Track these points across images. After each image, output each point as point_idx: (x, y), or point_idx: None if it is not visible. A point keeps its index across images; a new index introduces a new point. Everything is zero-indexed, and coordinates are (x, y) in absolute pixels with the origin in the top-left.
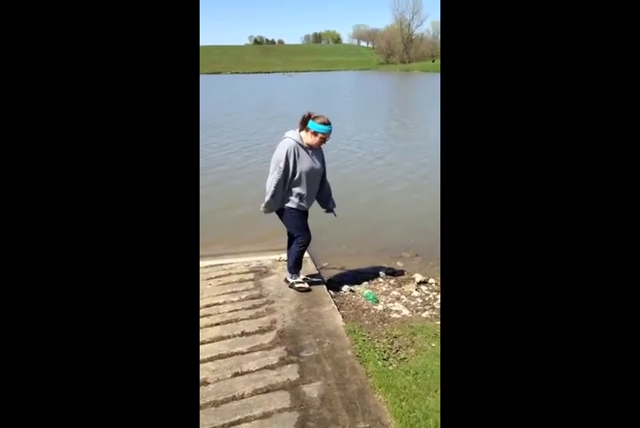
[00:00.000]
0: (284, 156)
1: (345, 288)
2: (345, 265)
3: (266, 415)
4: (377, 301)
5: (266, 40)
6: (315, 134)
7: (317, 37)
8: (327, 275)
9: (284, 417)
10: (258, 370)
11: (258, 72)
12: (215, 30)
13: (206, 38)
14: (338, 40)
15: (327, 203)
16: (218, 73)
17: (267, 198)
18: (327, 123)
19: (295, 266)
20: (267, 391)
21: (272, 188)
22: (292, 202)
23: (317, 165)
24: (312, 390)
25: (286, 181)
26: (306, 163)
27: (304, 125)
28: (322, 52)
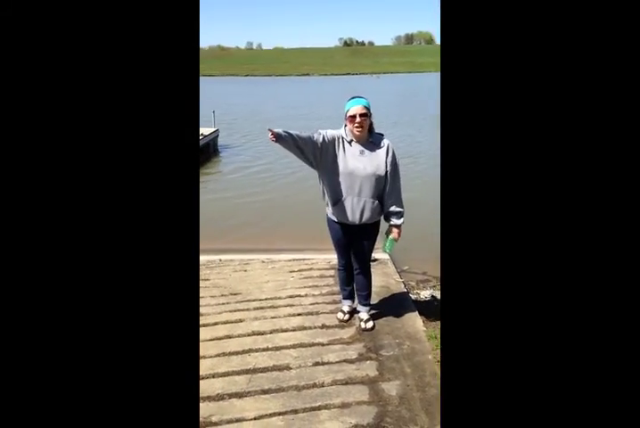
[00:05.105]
0: (320, 143)
1: (426, 293)
2: (426, 270)
3: (345, 405)
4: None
5: (356, 42)
6: (348, 120)
7: (409, 38)
8: (407, 279)
9: (363, 410)
10: (337, 362)
11: (347, 74)
12: (306, 33)
13: (297, 41)
14: (430, 41)
15: (388, 217)
16: (307, 75)
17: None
18: (351, 98)
19: (340, 289)
20: (347, 383)
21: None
22: (327, 208)
23: (363, 166)
24: (391, 387)
25: (322, 176)
26: (348, 160)
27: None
28: (412, 53)
